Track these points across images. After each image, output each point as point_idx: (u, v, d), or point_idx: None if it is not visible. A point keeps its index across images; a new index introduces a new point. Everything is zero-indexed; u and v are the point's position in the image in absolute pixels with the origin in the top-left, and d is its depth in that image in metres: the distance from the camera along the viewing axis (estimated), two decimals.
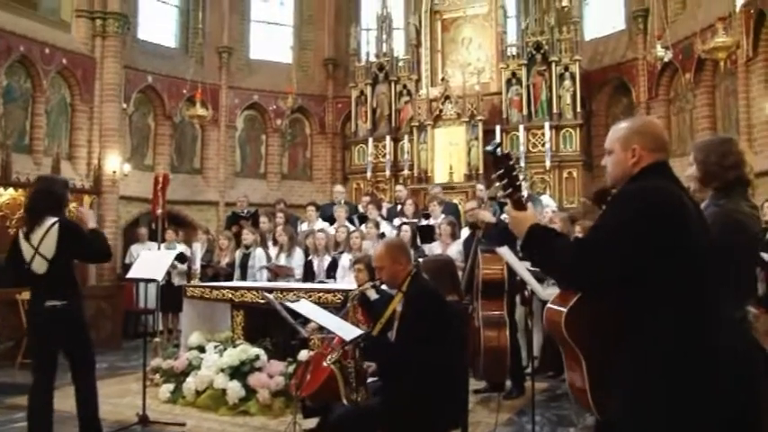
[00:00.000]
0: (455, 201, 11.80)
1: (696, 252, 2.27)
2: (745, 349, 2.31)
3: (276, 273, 8.69)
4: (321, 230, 9.29)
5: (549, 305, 2.57)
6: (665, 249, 2.22)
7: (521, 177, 2.54)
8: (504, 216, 6.18)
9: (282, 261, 8.94)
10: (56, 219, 4.70)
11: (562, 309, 2.44)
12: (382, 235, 8.81)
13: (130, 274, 6.23)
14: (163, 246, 10.30)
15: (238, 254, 9.27)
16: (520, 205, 2.51)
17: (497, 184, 2.53)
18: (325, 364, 3.88)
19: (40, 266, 4.68)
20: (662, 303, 2.22)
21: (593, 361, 2.35)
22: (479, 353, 5.90)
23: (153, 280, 6.33)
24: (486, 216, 6.35)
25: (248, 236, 9.27)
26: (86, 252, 4.92)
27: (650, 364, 2.20)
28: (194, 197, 14.57)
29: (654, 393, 2.18)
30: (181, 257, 9.30)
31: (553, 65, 12.83)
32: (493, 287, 6.12)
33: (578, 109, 12.76)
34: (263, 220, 10.31)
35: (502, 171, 2.49)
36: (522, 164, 12.13)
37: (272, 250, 9.29)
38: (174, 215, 13.64)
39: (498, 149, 2.51)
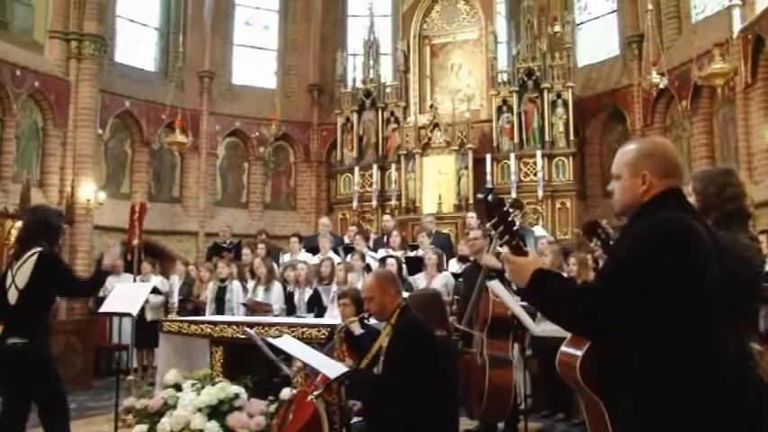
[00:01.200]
0: (445, 231, 11.74)
1: (709, 292, 2.19)
2: (752, 385, 2.28)
3: (254, 309, 8.59)
4: (302, 261, 9.23)
5: (562, 348, 2.52)
6: (676, 293, 2.15)
7: (517, 221, 2.47)
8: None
9: (260, 295, 8.83)
10: (38, 249, 4.59)
11: (577, 353, 2.40)
12: (367, 267, 8.76)
13: (104, 308, 6.15)
14: (138, 278, 10.20)
15: (212, 286, 9.20)
16: (519, 251, 2.41)
17: (492, 232, 2.47)
18: (309, 398, 3.84)
19: (12, 297, 4.56)
20: (669, 340, 2.16)
21: (614, 408, 2.29)
22: (479, 391, 5.81)
23: (128, 314, 6.25)
24: (492, 261, 6.28)
25: (223, 269, 9.23)
26: (65, 286, 4.81)
27: (658, 399, 2.16)
28: (173, 227, 14.50)
29: (660, 428, 2.15)
30: (156, 290, 9.21)
31: (545, 92, 12.91)
32: (500, 324, 6.02)
33: (571, 137, 12.82)
34: (245, 251, 10.27)
35: (496, 219, 2.41)
36: (514, 194, 12.11)
37: (251, 284, 9.21)
38: (151, 246, 13.50)
39: (490, 196, 2.43)
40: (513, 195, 11.98)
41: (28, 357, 4.48)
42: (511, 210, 2.43)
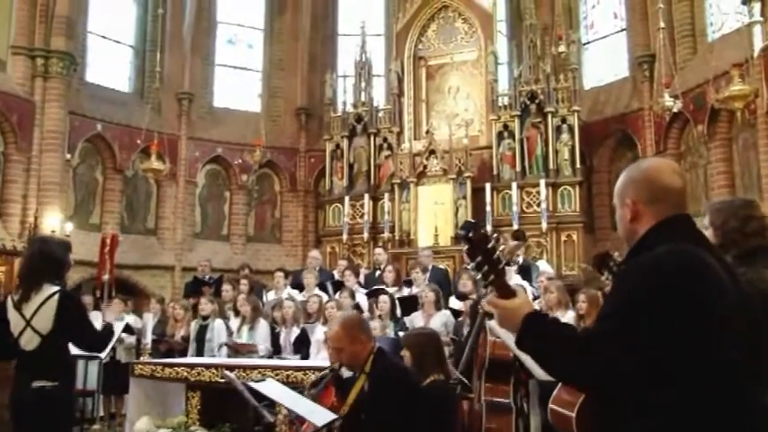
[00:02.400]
0: (442, 266, 11.66)
1: (728, 335, 2.08)
2: None
3: (237, 350, 8.50)
4: (289, 299, 9.17)
5: (552, 406, 2.46)
6: (687, 337, 2.04)
7: (503, 259, 2.32)
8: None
9: (245, 335, 8.75)
10: (56, 288, 4.47)
11: (572, 405, 2.33)
12: (357, 306, 8.71)
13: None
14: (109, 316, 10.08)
15: (194, 326, 9.09)
16: (507, 292, 2.29)
17: (476, 274, 2.34)
18: None
19: (29, 342, 4.42)
20: (682, 392, 2.07)
21: None
22: None
23: (95, 357, 6.16)
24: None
25: (206, 306, 9.12)
26: (84, 338, 4.70)
27: None
28: (147, 261, 14.40)
29: None
30: (129, 329, 9.10)
31: (549, 116, 12.95)
32: (500, 368, 5.93)
33: (578, 165, 12.85)
34: (225, 287, 10.18)
35: (480, 259, 2.27)
36: (516, 225, 12.10)
37: (234, 322, 9.14)
38: (123, 281, 13.36)
39: (471, 232, 2.27)
40: (515, 227, 11.96)
41: (58, 401, 4.44)
42: (497, 246, 2.31)
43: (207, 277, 11.76)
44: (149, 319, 8.86)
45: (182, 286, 13.16)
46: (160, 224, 14.94)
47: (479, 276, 2.30)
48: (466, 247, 2.30)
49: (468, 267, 8.87)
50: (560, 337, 2.17)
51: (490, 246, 2.28)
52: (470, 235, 2.25)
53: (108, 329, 4.86)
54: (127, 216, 14.51)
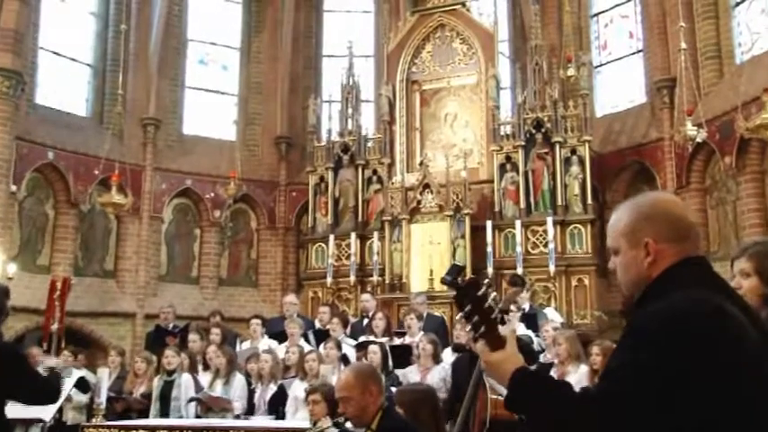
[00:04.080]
0: (438, 314, 11.60)
1: (761, 403, 2.01)
2: None
3: (209, 405, 8.42)
4: (267, 351, 9.12)
5: None
6: (709, 400, 1.97)
7: (496, 308, 2.32)
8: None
9: (218, 390, 8.70)
10: None
11: None
12: (344, 357, 8.68)
13: (10, 413, 5.87)
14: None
15: (157, 382, 8.97)
16: (499, 344, 2.28)
17: (465, 323, 2.33)
18: None
19: None
20: None
21: None
22: None
23: (39, 420, 5.99)
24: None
25: (172, 358, 9.04)
26: (28, 391, 4.58)
27: None
28: (104, 308, 14.23)
29: None
30: (82, 385, 8.93)
31: (557, 147, 12.93)
32: (503, 430, 5.84)
33: (589, 201, 12.79)
34: (192, 337, 10.13)
35: (469, 308, 2.28)
36: (520, 269, 12.07)
37: (204, 377, 9.09)
38: (75, 331, 13.23)
39: (459, 278, 2.31)
40: (520, 271, 11.93)
41: None
42: (489, 293, 2.30)
43: (171, 326, 11.67)
44: (105, 375, 8.70)
45: (144, 336, 12.96)
46: (120, 265, 14.78)
47: (469, 328, 2.31)
48: (454, 294, 2.30)
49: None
50: (556, 397, 2.11)
51: (480, 293, 2.28)
52: (458, 280, 2.27)
53: (56, 376, 4.68)
54: (81, 256, 14.34)
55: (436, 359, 8.33)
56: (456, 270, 2.34)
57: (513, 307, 8.74)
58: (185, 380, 8.82)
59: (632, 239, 2.27)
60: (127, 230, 14.86)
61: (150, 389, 9.02)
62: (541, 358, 8.41)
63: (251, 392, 8.69)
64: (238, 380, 8.75)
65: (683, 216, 2.30)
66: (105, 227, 14.70)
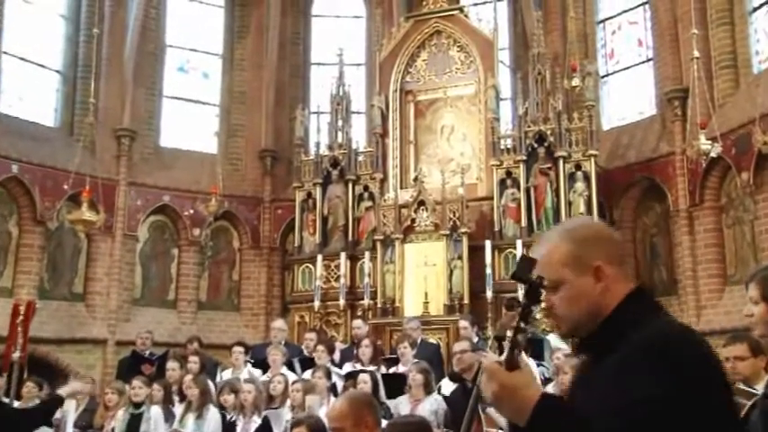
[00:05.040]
0: (433, 340, 11.62)
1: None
2: None
3: None
4: (249, 380, 9.03)
5: None
6: (720, 420, 2.04)
7: (530, 320, 2.26)
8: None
9: (190, 424, 8.54)
10: None
11: None
12: (333, 387, 8.67)
13: None
14: (18, 404, 9.74)
15: (123, 415, 8.86)
16: (512, 364, 2.14)
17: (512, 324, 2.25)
18: None
19: None
20: None
21: None
22: None
23: None
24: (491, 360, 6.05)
25: (139, 389, 8.97)
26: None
27: None
28: (72, 334, 14.09)
29: None
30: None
31: (561, 162, 12.98)
32: None
33: (595, 219, 12.68)
34: (172, 365, 10.07)
35: (525, 302, 2.21)
36: (521, 293, 11.90)
37: (179, 409, 8.96)
38: (40, 360, 13.09)
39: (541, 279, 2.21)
40: (521, 294, 11.79)
41: None
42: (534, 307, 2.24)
43: (148, 353, 11.62)
44: (71, 408, 8.54)
45: (115, 365, 12.89)
46: (90, 288, 14.64)
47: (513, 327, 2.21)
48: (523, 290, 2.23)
49: (464, 336, 8.77)
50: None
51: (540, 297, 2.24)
52: (531, 277, 2.18)
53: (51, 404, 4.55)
54: (48, 278, 14.22)
55: (428, 389, 8.23)
56: (528, 264, 2.23)
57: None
58: (155, 413, 8.70)
59: (579, 266, 2.21)
60: (98, 250, 14.74)
61: None
62: (551, 389, 8.33)
63: (231, 426, 8.55)
64: (212, 413, 8.60)
65: (619, 239, 2.33)
66: (74, 246, 14.57)
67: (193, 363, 9.99)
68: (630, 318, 2.14)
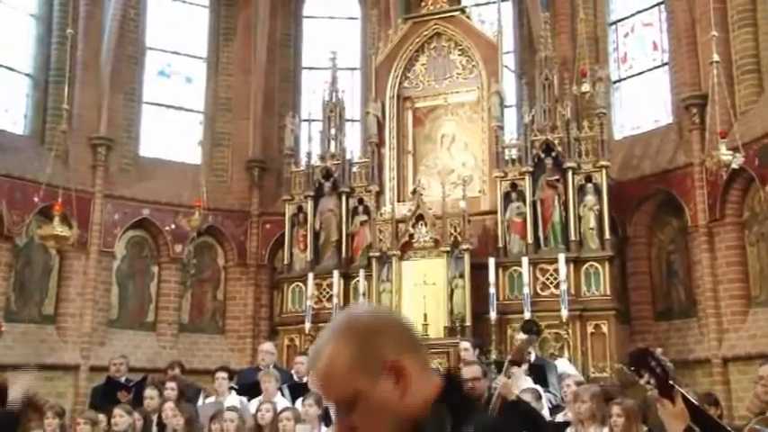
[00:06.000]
0: (433, 365, 11.39)
1: None
2: None
3: None
4: (232, 408, 8.94)
5: None
6: None
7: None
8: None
9: None
10: None
11: None
12: (324, 416, 8.49)
13: None
14: None
15: None
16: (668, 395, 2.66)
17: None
18: None
19: None
20: None
21: None
22: None
23: None
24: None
25: (120, 418, 8.93)
26: None
27: None
28: (41, 358, 13.78)
29: None
30: None
31: (570, 173, 12.97)
32: None
33: (607, 235, 12.80)
34: (150, 393, 9.98)
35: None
36: (527, 313, 12.09)
37: None
38: (3, 387, 12.89)
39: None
40: (527, 315, 11.95)
41: None
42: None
43: (124, 379, 11.49)
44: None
45: (88, 393, 12.71)
46: (62, 309, 14.53)
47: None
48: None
49: (469, 360, 8.65)
50: None
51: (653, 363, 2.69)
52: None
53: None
54: (15, 298, 14.09)
55: None
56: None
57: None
58: None
59: (370, 368, 1.93)
60: (71, 268, 14.64)
61: None
62: (561, 417, 8.26)
63: None
64: None
65: (406, 319, 2.10)
66: (45, 264, 14.48)
67: (170, 389, 9.95)
68: (445, 426, 1.94)
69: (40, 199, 13.19)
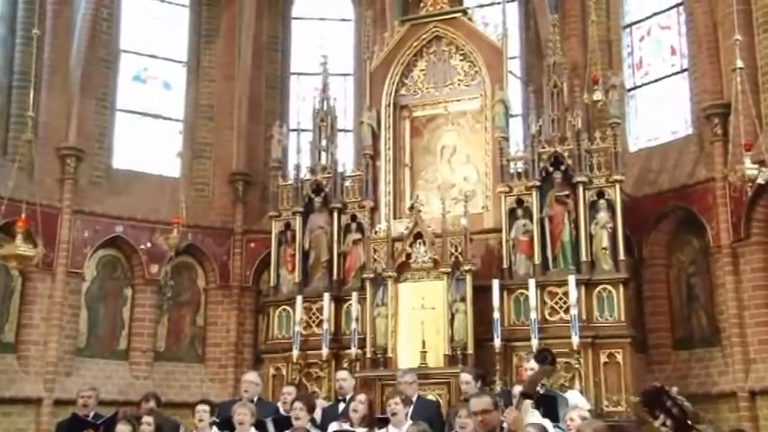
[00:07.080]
0: (432, 397, 11.61)
1: None
2: None
3: None
4: None
5: None
6: None
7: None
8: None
9: None
10: None
11: None
12: None
13: None
14: None
15: None
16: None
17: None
18: None
19: None
20: None
21: None
22: None
23: None
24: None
25: None
26: None
27: None
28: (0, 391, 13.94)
29: None
30: None
31: (581, 188, 12.92)
32: None
33: (621, 256, 12.73)
34: (122, 429, 9.86)
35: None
36: (535, 340, 12.07)
37: None
38: None
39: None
40: (534, 342, 11.95)
41: None
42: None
43: (92, 415, 11.37)
44: None
45: (52, 429, 12.66)
46: (24, 336, 14.43)
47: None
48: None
49: (472, 392, 8.58)
50: None
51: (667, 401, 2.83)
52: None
53: None
54: None
55: None
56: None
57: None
58: None
59: None
60: (35, 291, 14.58)
61: None
62: None
63: None
64: None
65: None
66: (5, 286, 14.42)
67: (146, 424, 9.85)
68: None
69: (1, 215, 12.99)
